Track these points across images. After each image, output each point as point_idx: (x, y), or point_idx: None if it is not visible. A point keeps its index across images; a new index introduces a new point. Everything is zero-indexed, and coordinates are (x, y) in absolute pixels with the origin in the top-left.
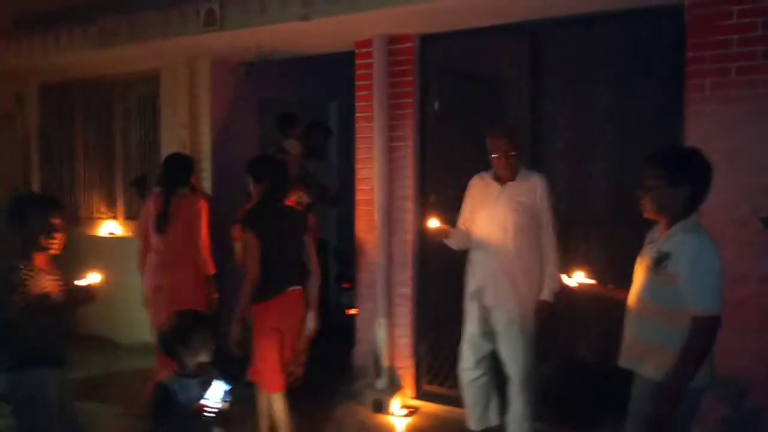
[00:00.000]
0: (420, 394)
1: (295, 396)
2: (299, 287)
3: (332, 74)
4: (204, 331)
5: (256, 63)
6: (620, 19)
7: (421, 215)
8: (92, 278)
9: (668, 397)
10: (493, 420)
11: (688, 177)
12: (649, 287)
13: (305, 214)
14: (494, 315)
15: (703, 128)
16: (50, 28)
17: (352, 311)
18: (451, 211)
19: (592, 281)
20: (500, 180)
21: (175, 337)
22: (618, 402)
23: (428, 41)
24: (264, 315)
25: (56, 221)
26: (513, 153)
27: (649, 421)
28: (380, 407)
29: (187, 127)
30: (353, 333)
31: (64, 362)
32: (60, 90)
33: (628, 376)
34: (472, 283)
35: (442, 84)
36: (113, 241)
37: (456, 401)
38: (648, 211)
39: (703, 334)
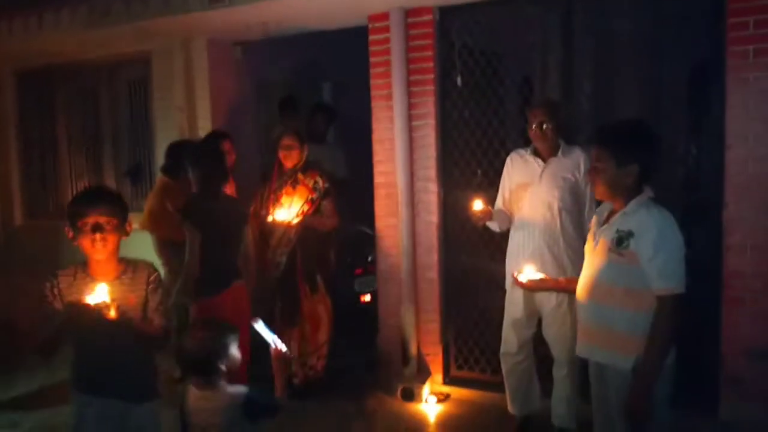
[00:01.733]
0: (449, 380)
1: (320, 389)
2: (242, 281)
3: (325, 53)
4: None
5: (251, 43)
6: None
7: (446, 196)
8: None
9: (644, 383)
10: (535, 404)
11: (635, 154)
12: (607, 269)
13: (241, 203)
14: (540, 296)
15: (745, 96)
16: (33, 9)
17: (366, 297)
18: (478, 190)
19: (542, 275)
20: (540, 156)
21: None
22: None
23: (448, 13)
24: (212, 312)
25: (91, 219)
26: (551, 125)
27: (628, 409)
28: (410, 395)
29: (185, 110)
30: (369, 319)
31: (112, 392)
32: (39, 76)
33: None
34: (514, 264)
35: (465, 58)
36: None
37: (486, 385)
38: (600, 193)
39: (671, 313)
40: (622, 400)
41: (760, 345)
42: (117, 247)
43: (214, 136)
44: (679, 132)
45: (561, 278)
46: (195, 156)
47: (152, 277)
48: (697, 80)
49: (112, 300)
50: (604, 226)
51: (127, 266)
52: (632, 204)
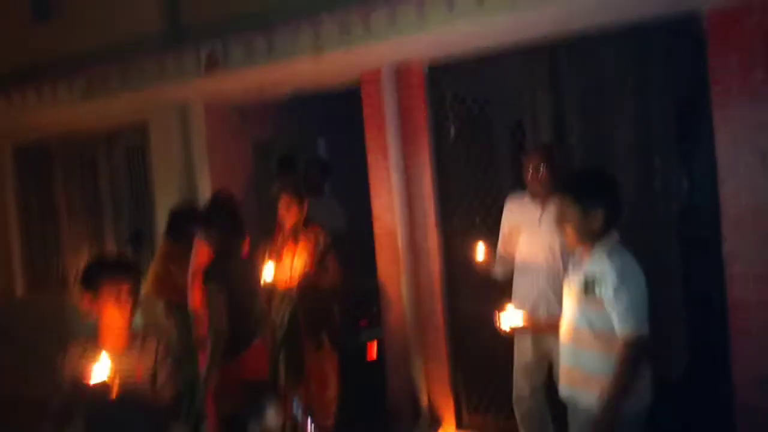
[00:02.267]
0: (461, 425)
1: None
2: (260, 339)
3: (319, 111)
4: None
5: (248, 105)
6: (639, 32)
7: (446, 243)
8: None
9: (601, 422)
10: None
11: (599, 200)
12: (579, 313)
13: (253, 267)
14: (549, 338)
15: (733, 131)
16: (30, 84)
17: (374, 352)
18: (477, 236)
19: (522, 320)
20: (538, 199)
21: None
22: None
23: (438, 67)
24: (235, 372)
25: (113, 284)
26: (547, 168)
27: None
28: None
29: (184, 177)
30: (377, 374)
31: None
32: (36, 148)
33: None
34: (520, 308)
35: (456, 108)
36: None
37: (498, 428)
38: (570, 240)
39: (630, 357)
40: None
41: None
42: (132, 315)
43: (220, 197)
44: (672, 167)
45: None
46: (210, 219)
47: (161, 348)
48: (686, 116)
49: (117, 373)
50: (575, 270)
51: (136, 337)
52: (597, 249)
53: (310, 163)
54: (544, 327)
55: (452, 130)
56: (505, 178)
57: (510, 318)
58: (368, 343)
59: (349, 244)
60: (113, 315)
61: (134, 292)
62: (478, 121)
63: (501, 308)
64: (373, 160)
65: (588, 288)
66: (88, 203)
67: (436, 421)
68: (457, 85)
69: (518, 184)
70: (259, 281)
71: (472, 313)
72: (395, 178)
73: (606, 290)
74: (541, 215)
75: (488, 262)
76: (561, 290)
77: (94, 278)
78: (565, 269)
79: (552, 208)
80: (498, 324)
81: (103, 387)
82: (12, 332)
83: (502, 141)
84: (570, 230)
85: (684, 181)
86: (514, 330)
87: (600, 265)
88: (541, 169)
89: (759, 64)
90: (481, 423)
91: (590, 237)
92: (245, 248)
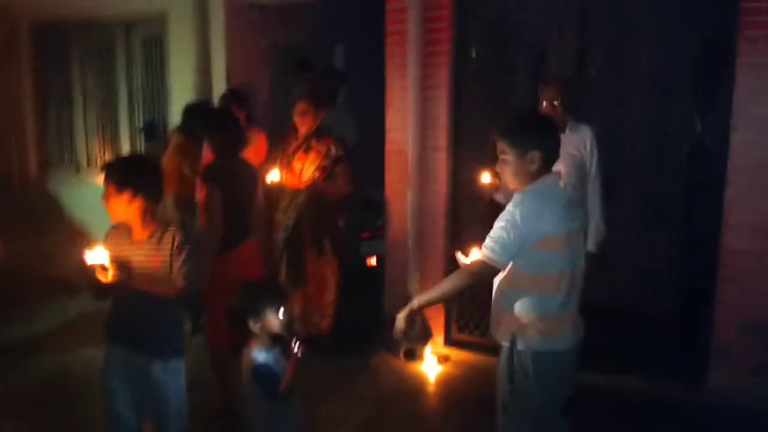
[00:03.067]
0: (450, 342)
1: (326, 348)
2: (255, 238)
3: (339, 16)
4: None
5: (267, 4)
6: None
7: (454, 166)
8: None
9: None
10: None
11: (534, 143)
12: None
13: (254, 169)
14: None
15: (754, 81)
16: None
17: (372, 260)
18: (487, 162)
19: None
20: None
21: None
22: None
23: None
24: (226, 267)
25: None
26: (561, 102)
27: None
28: (412, 355)
29: (201, 71)
30: (376, 282)
31: (135, 344)
32: (54, 29)
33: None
34: None
35: (480, 28)
36: None
37: (485, 348)
38: (510, 183)
39: (475, 272)
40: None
41: (749, 319)
42: (148, 210)
43: (231, 97)
44: (686, 109)
45: None
46: (214, 122)
47: (177, 241)
48: (707, 60)
49: (136, 260)
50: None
51: (158, 229)
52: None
53: (325, 72)
54: None
55: (474, 51)
56: (521, 105)
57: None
58: (368, 257)
59: (357, 157)
60: (133, 209)
61: (157, 193)
62: (502, 45)
63: None
64: (391, 74)
65: None
66: (104, 91)
67: (426, 334)
68: (484, 5)
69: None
70: (263, 183)
71: (472, 237)
72: (411, 95)
73: None
74: None
75: (492, 187)
76: None
77: (122, 174)
78: None
79: (562, 141)
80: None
81: (100, 268)
82: (26, 211)
83: (524, 68)
84: (508, 173)
85: (697, 124)
86: None
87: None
88: (555, 102)
89: None
90: (468, 341)
91: (528, 179)
92: (247, 151)
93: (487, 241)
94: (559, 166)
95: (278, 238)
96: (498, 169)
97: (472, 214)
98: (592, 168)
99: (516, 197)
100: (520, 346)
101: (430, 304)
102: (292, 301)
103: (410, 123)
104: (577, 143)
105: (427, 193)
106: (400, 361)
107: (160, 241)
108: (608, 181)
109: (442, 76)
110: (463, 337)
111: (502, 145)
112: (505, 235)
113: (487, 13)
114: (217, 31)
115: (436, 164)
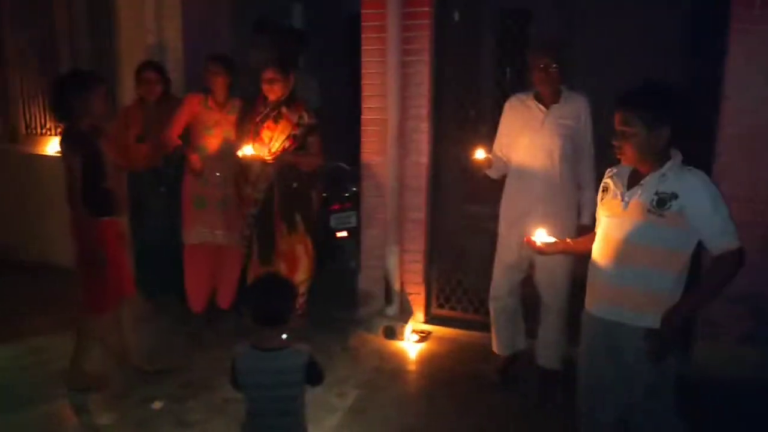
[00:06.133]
0: (430, 319)
1: (301, 328)
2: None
3: None
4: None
5: None
6: None
7: (437, 136)
8: None
9: (678, 317)
10: (520, 344)
11: (667, 117)
12: (643, 231)
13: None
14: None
15: (748, 48)
16: None
17: (341, 234)
18: (470, 132)
19: (554, 239)
20: (542, 101)
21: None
22: None
23: None
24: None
25: None
26: (555, 67)
27: (653, 357)
28: (392, 334)
29: (153, 32)
30: (344, 257)
31: None
32: None
33: None
34: (511, 211)
35: None
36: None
37: (467, 324)
38: (628, 158)
39: (734, 265)
40: (639, 355)
41: (735, 290)
42: None
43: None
44: (678, 77)
45: (569, 239)
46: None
47: None
48: (699, 26)
49: None
50: (635, 188)
51: None
52: (670, 166)
53: (283, 33)
54: (565, 246)
55: (456, 15)
56: (505, 72)
57: (541, 235)
58: (337, 231)
59: (324, 123)
60: None
61: None
62: (485, 8)
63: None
64: (367, 38)
65: (664, 204)
66: (43, 51)
67: (406, 311)
68: None
69: (522, 83)
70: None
71: (454, 211)
72: (391, 61)
73: (696, 206)
74: (544, 118)
75: (485, 163)
76: (556, 196)
77: None
78: (562, 175)
79: (556, 112)
80: (529, 238)
81: None
82: None
83: (509, 33)
84: (631, 148)
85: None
86: (543, 245)
87: (679, 182)
88: (550, 68)
89: None
90: (448, 317)
91: (653, 156)
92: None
93: (728, 229)
94: (555, 137)
95: (248, 214)
96: (615, 141)
97: (454, 187)
98: (587, 139)
99: (693, 179)
100: (646, 323)
101: (699, 307)
102: None
103: (390, 90)
104: (571, 113)
105: (408, 164)
106: (379, 340)
107: None
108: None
109: (424, 41)
110: (444, 312)
111: (628, 117)
112: (731, 217)
113: None
114: None
115: (418, 135)
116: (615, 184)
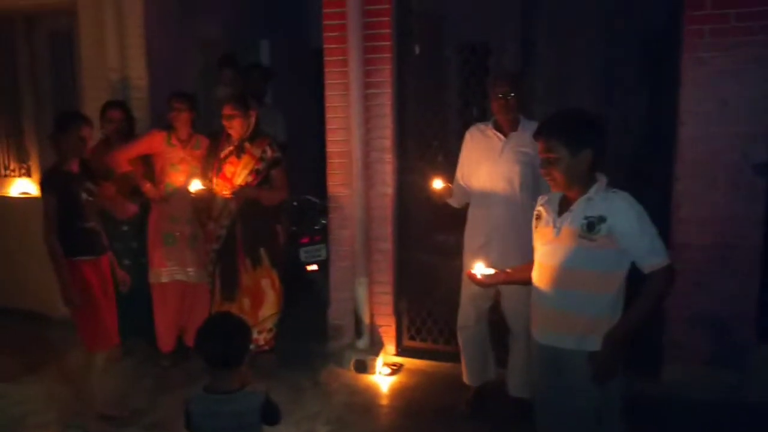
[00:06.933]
0: (401, 351)
1: (269, 364)
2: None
3: (262, 9)
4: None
5: None
6: None
7: (401, 167)
8: None
9: (618, 341)
10: (490, 374)
11: (587, 141)
12: (576, 255)
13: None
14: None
15: (699, 75)
16: None
17: (312, 267)
18: (433, 163)
19: (492, 270)
20: (501, 129)
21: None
22: None
23: None
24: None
25: None
26: (513, 96)
27: (598, 371)
28: (363, 367)
29: (118, 71)
30: (316, 290)
31: None
32: None
33: None
34: (475, 239)
35: (422, 25)
36: (27, 202)
37: (438, 355)
38: (557, 184)
39: (667, 281)
40: (585, 379)
41: (700, 312)
42: None
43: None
44: (636, 105)
45: (508, 269)
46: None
47: None
48: (655, 54)
49: None
50: (566, 214)
51: None
52: (596, 190)
53: (250, 69)
54: (506, 277)
55: (417, 49)
56: (466, 104)
57: (480, 268)
58: (307, 265)
59: (290, 157)
60: None
61: None
62: (444, 41)
63: None
64: (330, 72)
65: (593, 227)
66: (5, 92)
67: (377, 344)
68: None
69: (483, 112)
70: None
71: (420, 241)
72: (354, 95)
73: (623, 228)
74: (503, 146)
75: (444, 192)
76: (517, 224)
77: None
78: (523, 202)
79: (515, 140)
80: (469, 272)
81: None
82: None
83: (468, 64)
84: (557, 173)
85: (644, 119)
86: (483, 278)
87: (605, 204)
88: (509, 96)
89: (731, 6)
90: (420, 348)
91: (578, 180)
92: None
93: (656, 247)
94: (514, 165)
95: (212, 250)
96: (541, 169)
97: (419, 217)
98: None
99: (619, 200)
100: (589, 347)
101: (638, 326)
102: None
103: (354, 123)
104: (530, 141)
105: (373, 196)
106: (351, 374)
107: None
108: None
109: (386, 74)
110: (415, 344)
111: (550, 144)
112: (658, 235)
113: (428, 7)
114: (135, 24)
115: (383, 165)
116: (547, 211)
